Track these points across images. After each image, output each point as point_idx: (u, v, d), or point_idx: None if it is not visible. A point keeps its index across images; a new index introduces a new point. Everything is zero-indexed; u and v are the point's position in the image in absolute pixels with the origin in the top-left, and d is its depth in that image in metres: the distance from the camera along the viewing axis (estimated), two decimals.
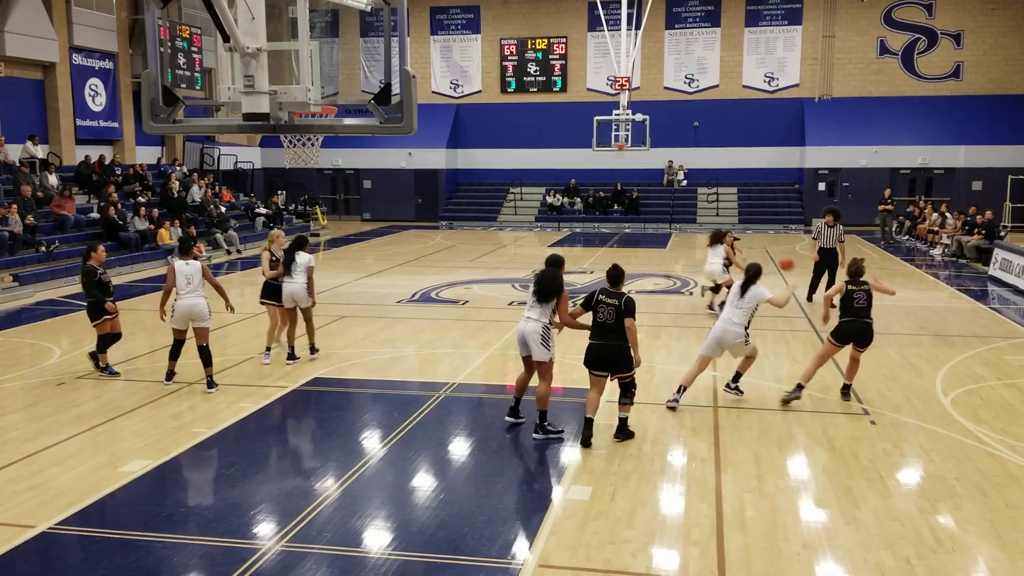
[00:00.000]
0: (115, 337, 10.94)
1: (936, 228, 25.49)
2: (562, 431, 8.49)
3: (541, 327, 8.28)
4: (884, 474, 7.48)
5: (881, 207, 27.75)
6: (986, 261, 20.39)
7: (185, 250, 10.59)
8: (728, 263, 14.29)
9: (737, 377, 9.82)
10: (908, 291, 17.89)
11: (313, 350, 11.62)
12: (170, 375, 10.38)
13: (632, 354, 8.08)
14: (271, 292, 11.43)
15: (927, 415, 9.12)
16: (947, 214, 25.71)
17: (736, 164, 33.67)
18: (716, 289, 14.69)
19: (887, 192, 28.24)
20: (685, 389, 9.45)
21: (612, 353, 8.07)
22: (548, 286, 8.30)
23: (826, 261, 15.62)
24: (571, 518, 6.62)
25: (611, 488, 7.17)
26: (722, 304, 11.06)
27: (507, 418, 8.92)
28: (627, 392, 8.28)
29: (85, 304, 10.92)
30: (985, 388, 10.04)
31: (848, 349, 9.51)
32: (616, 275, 8.39)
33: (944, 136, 31.29)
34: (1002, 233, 23.53)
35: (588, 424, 8.25)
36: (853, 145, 31.89)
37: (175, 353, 10.35)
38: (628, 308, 8.05)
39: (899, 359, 11.47)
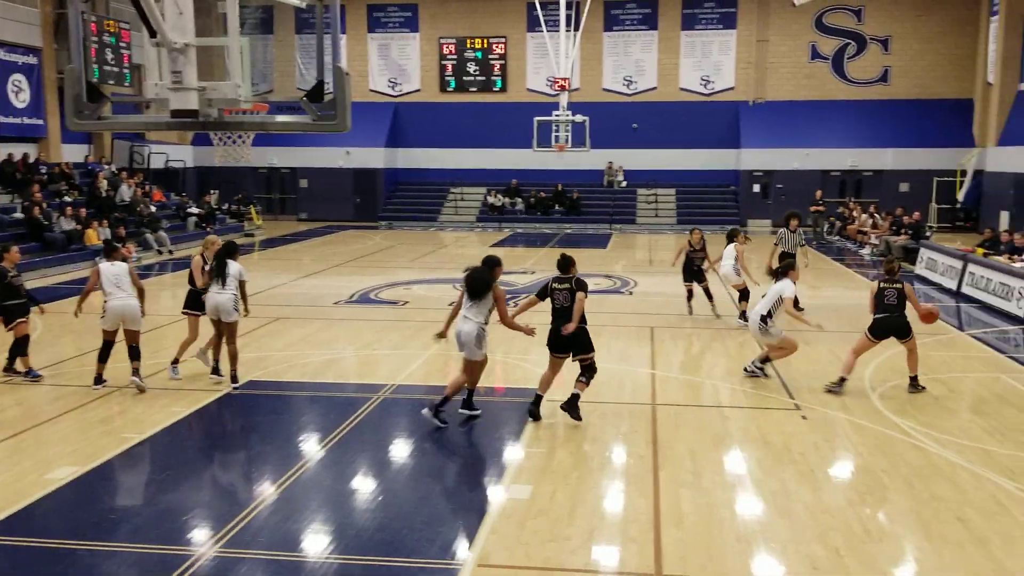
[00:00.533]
0: (25, 340, 10.55)
1: (865, 229, 26.21)
2: (446, 424, 8.75)
3: (477, 328, 8.53)
4: (815, 468, 7.65)
5: (813, 208, 28.42)
6: (913, 260, 21.03)
7: (110, 251, 10.32)
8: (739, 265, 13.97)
9: (765, 360, 10.46)
10: (838, 289, 18.38)
11: (227, 376, 10.22)
12: (99, 379, 10.08)
13: (587, 337, 8.68)
14: (194, 301, 10.61)
15: (856, 410, 9.36)
16: (876, 215, 26.45)
17: (674, 165, 34.12)
18: (744, 295, 13.97)
19: (818, 194, 28.93)
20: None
21: (571, 336, 8.52)
22: (477, 284, 8.54)
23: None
24: (511, 517, 6.62)
25: (551, 486, 7.19)
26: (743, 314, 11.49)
27: (460, 411, 8.94)
28: (587, 372, 8.78)
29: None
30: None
31: (893, 344, 10.04)
32: (565, 263, 8.87)
33: (873, 139, 32.20)
34: (928, 233, 24.32)
35: (537, 400, 8.88)
36: (786, 147, 32.59)
37: (104, 356, 10.06)
38: (580, 284, 8.64)
39: (830, 356, 11.75)
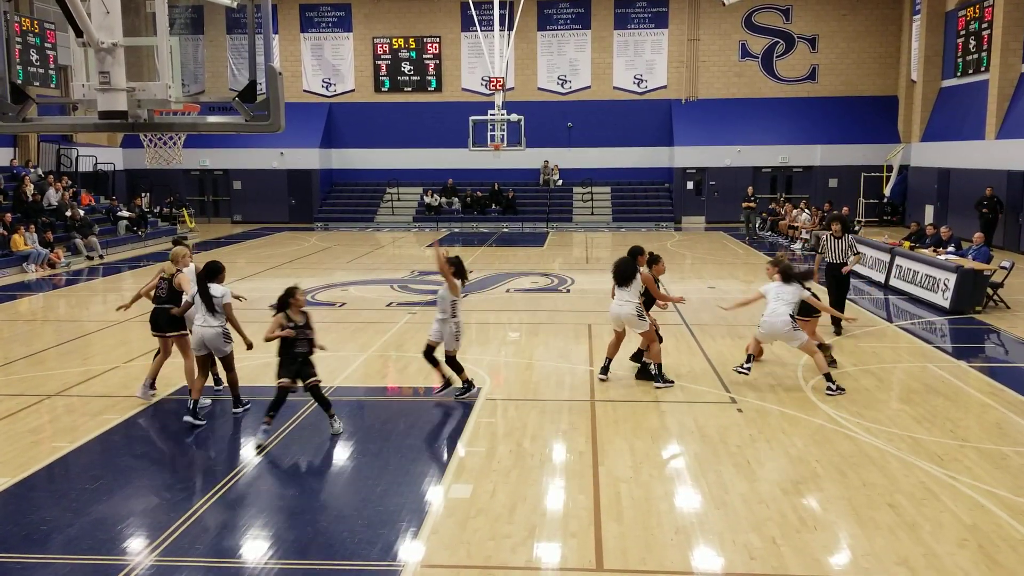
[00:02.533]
0: None
1: (795, 224, 26.85)
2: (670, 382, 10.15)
3: (633, 307, 9.99)
4: (751, 459, 7.84)
5: (745, 204, 29.02)
6: None
7: None
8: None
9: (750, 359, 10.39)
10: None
11: (238, 403, 9.47)
12: None
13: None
14: (168, 321, 9.39)
15: (790, 402, 9.61)
16: (805, 210, 27.13)
17: (609, 164, 34.48)
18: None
19: (750, 190, 29.55)
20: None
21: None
22: (624, 271, 10.02)
23: (835, 278, 12.73)
24: (452, 516, 6.64)
25: (491, 485, 7.23)
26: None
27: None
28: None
29: None
30: (842, 375, 10.65)
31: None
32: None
33: (802, 136, 33.01)
34: (856, 227, 25.01)
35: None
36: (718, 145, 33.21)
37: None
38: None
39: (764, 349, 12.03)
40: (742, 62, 33.99)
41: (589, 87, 34.58)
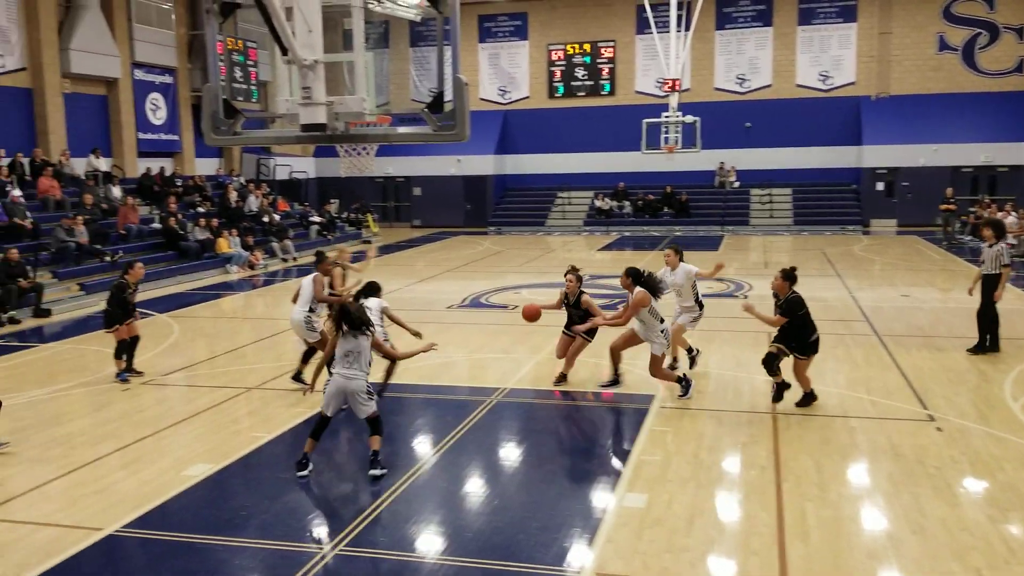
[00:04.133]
0: (134, 340, 11.15)
1: None
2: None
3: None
4: (952, 482, 7.26)
5: (943, 207, 27.08)
6: None
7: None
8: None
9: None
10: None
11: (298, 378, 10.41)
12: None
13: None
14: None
15: (996, 421, 8.84)
16: (1012, 212, 24.98)
17: (790, 164, 33.16)
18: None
19: (949, 191, 27.53)
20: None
21: None
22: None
23: (988, 289, 11.76)
24: (626, 525, 6.55)
25: (667, 495, 7.08)
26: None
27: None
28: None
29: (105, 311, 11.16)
30: None
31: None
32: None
33: (1007, 133, 30.41)
34: None
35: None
36: (912, 143, 31.17)
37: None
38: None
39: (965, 364, 11.16)
40: (939, 55, 31.77)
41: (770, 85, 33.41)
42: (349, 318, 7.44)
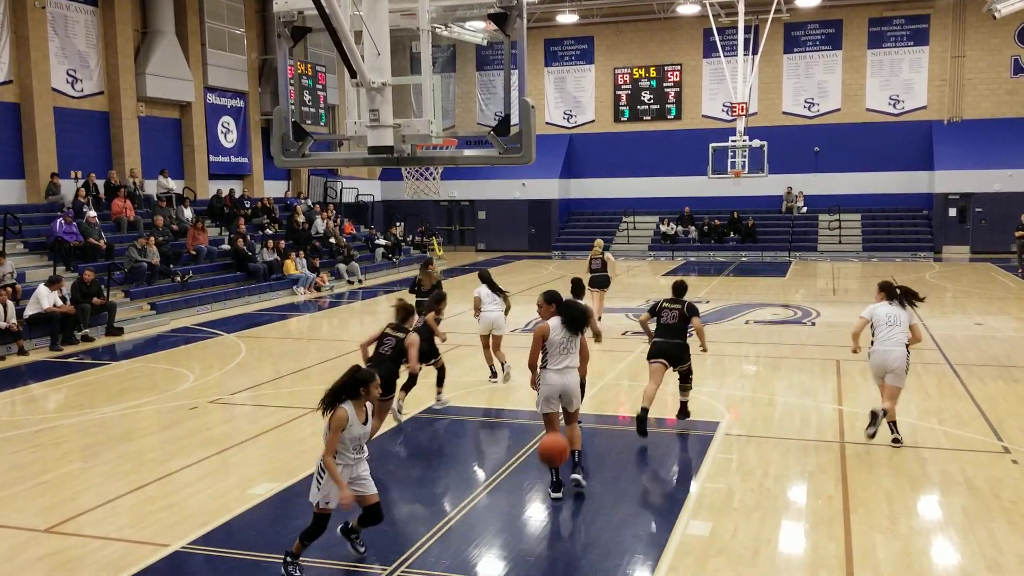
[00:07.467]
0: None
1: None
2: None
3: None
4: None
5: (1018, 233, 26.16)
6: None
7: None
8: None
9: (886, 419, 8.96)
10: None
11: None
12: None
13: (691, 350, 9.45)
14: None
15: None
16: None
17: (859, 190, 32.51)
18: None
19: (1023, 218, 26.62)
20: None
21: (673, 348, 9.33)
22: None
23: None
24: (690, 554, 6.44)
25: (732, 524, 6.95)
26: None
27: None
28: (686, 379, 9.54)
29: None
30: None
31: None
32: (681, 288, 9.73)
33: None
34: None
35: (643, 414, 9.07)
36: (987, 168, 30.28)
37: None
38: (692, 310, 9.42)
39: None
40: (1015, 78, 30.90)
41: (839, 109, 32.89)
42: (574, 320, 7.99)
